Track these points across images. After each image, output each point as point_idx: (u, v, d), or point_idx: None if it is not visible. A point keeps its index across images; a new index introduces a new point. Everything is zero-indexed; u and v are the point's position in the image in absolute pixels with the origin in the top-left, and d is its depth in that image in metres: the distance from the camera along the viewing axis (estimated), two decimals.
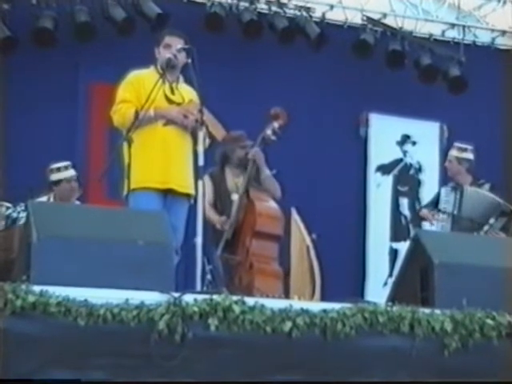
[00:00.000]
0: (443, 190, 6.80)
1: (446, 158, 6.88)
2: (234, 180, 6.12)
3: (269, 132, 6.02)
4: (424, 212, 6.74)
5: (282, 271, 5.82)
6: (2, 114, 7.27)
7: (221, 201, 6.09)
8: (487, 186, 6.67)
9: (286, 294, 5.77)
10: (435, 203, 6.75)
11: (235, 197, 6.03)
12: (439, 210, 6.66)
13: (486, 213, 6.49)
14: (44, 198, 6.24)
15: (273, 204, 5.98)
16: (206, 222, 5.61)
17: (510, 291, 4.64)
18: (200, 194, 5.10)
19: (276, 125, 6.03)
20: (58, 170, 6.35)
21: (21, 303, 3.89)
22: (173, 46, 5.29)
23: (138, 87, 5.26)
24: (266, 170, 6.11)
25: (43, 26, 7.37)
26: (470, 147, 6.76)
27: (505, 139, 8.33)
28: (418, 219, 6.82)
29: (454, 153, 6.75)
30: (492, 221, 6.44)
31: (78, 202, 6.36)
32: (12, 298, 3.89)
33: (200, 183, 5.10)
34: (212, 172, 6.14)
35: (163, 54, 5.31)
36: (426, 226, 6.72)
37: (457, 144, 6.84)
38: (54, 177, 6.32)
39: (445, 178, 7.37)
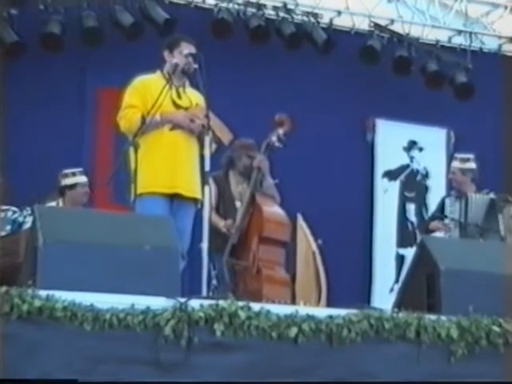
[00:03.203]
0: (447, 200, 6.78)
1: (449, 170, 6.85)
2: (238, 187, 6.13)
3: (274, 138, 6.03)
4: (434, 224, 6.70)
5: (289, 278, 5.82)
6: (8, 119, 7.28)
7: (224, 206, 6.09)
8: (491, 195, 6.68)
9: (292, 300, 5.76)
10: (440, 213, 6.74)
11: (238, 204, 6.03)
12: (446, 217, 6.65)
13: (489, 216, 6.52)
14: (53, 203, 6.26)
15: (279, 210, 5.98)
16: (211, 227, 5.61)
17: None
18: (206, 199, 5.10)
19: (281, 131, 6.04)
20: (74, 174, 6.41)
21: (27, 308, 3.90)
22: (186, 52, 5.30)
23: (144, 92, 5.26)
24: (269, 179, 6.12)
25: (51, 31, 7.39)
26: (471, 156, 6.75)
27: (510, 145, 8.31)
28: (426, 232, 6.78)
29: (456, 164, 6.72)
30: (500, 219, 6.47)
31: (81, 208, 6.38)
32: (18, 302, 3.89)
33: (206, 188, 5.10)
34: (216, 176, 6.12)
35: (177, 58, 5.31)
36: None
37: (458, 155, 6.81)
38: (70, 181, 6.38)
39: (451, 185, 7.36)
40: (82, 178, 6.43)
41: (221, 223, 5.95)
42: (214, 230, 5.63)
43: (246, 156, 6.13)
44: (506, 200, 6.60)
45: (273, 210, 5.92)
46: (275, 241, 5.81)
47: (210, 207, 5.14)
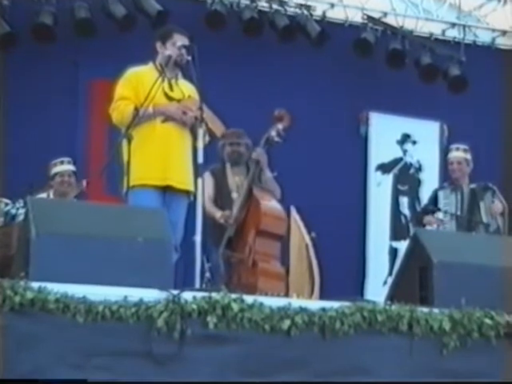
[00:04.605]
0: (441, 193, 6.79)
1: (452, 160, 6.82)
2: (235, 178, 6.15)
3: (273, 133, 6.07)
4: (428, 218, 6.71)
5: (284, 272, 5.84)
6: (1, 110, 7.26)
7: (221, 198, 6.12)
8: (472, 185, 6.73)
9: (285, 293, 5.77)
10: (433, 206, 6.76)
11: (235, 195, 6.06)
12: (439, 210, 6.67)
13: (473, 207, 6.57)
14: (43, 195, 6.24)
15: (276, 204, 6.02)
16: (207, 219, 5.64)
17: (509, 290, 4.64)
18: (200, 191, 5.09)
19: (280, 126, 6.08)
20: (55, 164, 6.40)
21: (19, 300, 3.89)
22: (179, 44, 5.28)
23: (137, 84, 5.24)
24: (268, 172, 6.15)
25: (42, 22, 7.36)
26: (467, 147, 6.82)
27: (504, 139, 8.33)
28: (419, 225, 6.81)
29: (461, 154, 6.75)
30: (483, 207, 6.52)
31: (74, 200, 6.36)
32: (10, 294, 3.89)
33: (199, 181, 5.09)
34: (213, 169, 6.18)
35: (169, 50, 5.30)
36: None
37: (461, 145, 6.84)
38: (51, 171, 6.37)
39: (445, 178, 7.37)
40: (62, 168, 6.39)
41: (218, 214, 5.97)
42: (210, 221, 5.66)
43: (228, 144, 6.17)
44: (486, 187, 6.65)
45: (270, 203, 5.95)
46: (271, 234, 5.84)
47: (202, 200, 5.13)
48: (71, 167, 6.44)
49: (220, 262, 5.84)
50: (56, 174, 6.35)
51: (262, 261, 5.78)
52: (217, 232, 5.90)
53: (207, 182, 6.02)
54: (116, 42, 7.47)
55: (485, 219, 6.55)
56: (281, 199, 6.13)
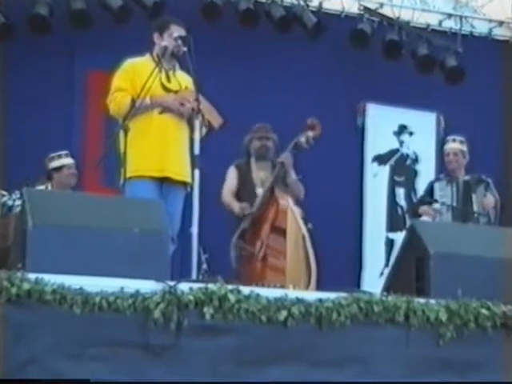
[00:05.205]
0: (437, 184, 6.80)
1: (448, 151, 6.83)
2: (259, 173, 6.28)
3: (302, 139, 6.25)
4: (424, 209, 6.73)
5: None
6: None
7: (245, 191, 6.26)
8: (466, 177, 6.75)
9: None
10: (429, 197, 6.78)
11: (259, 190, 6.21)
12: (436, 201, 6.68)
13: (467, 199, 6.59)
14: (42, 187, 6.25)
15: (293, 206, 6.08)
16: (225, 211, 5.89)
17: (505, 281, 4.65)
18: (196, 183, 5.09)
19: (310, 134, 6.27)
20: (60, 156, 6.47)
21: (16, 291, 3.89)
22: (175, 35, 5.28)
23: (133, 75, 5.24)
24: (293, 174, 6.31)
25: (38, 13, 7.33)
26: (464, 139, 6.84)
27: (501, 131, 8.33)
28: (415, 216, 6.82)
29: (457, 146, 6.76)
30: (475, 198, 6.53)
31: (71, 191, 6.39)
32: (7, 285, 3.89)
33: (196, 172, 5.10)
34: (238, 163, 6.36)
35: (166, 41, 5.29)
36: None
37: (457, 137, 6.84)
38: (56, 163, 6.42)
39: (441, 169, 7.36)
40: (68, 160, 6.48)
41: (236, 207, 6.12)
42: (228, 214, 5.90)
43: (257, 138, 6.34)
44: (480, 180, 6.67)
45: (289, 204, 6.02)
46: (284, 231, 5.90)
47: (199, 191, 5.14)
48: (73, 160, 6.50)
49: (232, 252, 5.96)
50: (64, 166, 6.41)
51: (273, 256, 5.91)
52: (234, 224, 6.04)
53: (231, 175, 6.27)
54: (112, 33, 7.45)
55: (476, 211, 6.56)
56: (304, 199, 6.25)
